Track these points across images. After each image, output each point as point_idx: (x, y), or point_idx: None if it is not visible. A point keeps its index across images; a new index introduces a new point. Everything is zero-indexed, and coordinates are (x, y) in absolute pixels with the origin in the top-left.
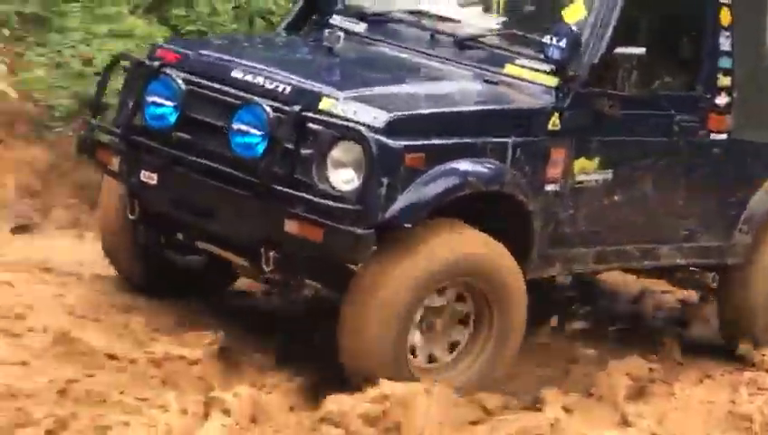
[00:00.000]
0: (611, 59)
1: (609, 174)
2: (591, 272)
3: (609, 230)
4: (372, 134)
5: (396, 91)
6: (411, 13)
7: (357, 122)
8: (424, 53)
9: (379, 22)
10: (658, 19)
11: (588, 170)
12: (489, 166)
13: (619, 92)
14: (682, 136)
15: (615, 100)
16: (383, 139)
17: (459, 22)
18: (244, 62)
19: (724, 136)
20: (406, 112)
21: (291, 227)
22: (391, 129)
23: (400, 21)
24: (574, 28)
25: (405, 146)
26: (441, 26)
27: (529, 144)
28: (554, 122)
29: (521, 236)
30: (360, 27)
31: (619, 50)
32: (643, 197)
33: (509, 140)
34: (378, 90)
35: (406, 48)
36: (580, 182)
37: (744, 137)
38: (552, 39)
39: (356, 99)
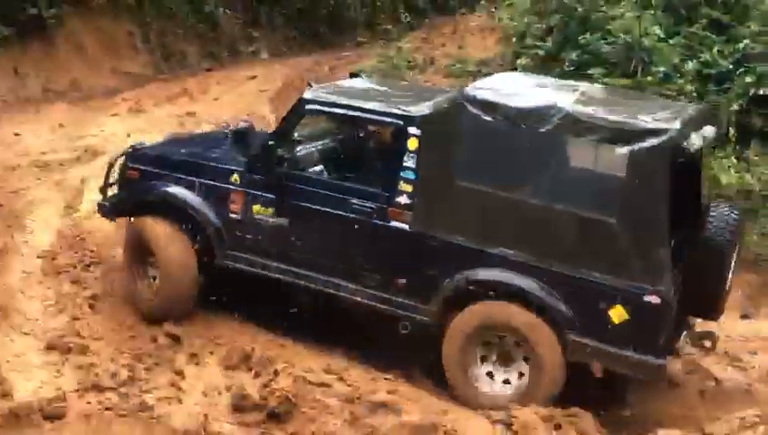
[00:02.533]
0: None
1: (283, 220)
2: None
3: (286, 253)
4: None
5: None
6: None
7: None
8: None
9: None
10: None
11: (262, 213)
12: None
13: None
14: (358, 215)
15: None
16: None
17: None
18: None
19: (405, 226)
20: None
21: None
22: None
23: None
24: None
25: None
26: None
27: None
28: (235, 179)
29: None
30: None
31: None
32: (317, 241)
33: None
34: None
35: None
36: (259, 218)
37: (427, 231)
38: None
39: None
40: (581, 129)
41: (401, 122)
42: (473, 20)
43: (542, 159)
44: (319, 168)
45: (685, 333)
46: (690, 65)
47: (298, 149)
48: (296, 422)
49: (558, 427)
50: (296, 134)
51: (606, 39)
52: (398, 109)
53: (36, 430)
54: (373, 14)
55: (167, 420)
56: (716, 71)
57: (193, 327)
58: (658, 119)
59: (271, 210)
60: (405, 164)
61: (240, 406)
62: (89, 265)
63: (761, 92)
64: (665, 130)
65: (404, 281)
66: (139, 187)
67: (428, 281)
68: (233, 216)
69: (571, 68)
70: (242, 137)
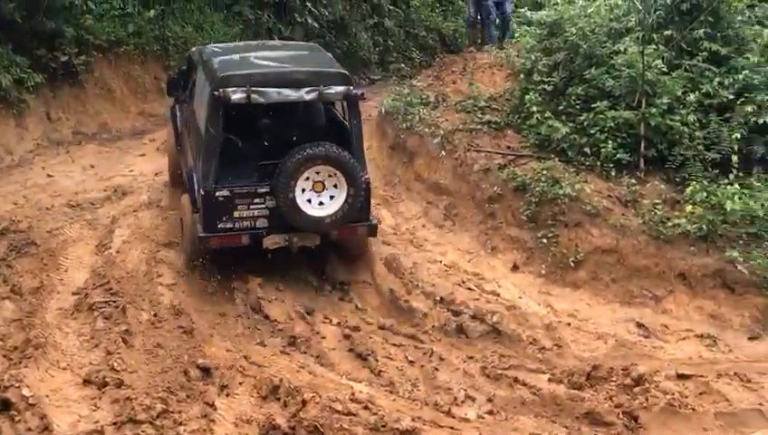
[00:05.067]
0: None
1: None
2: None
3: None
4: None
5: None
6: None
7: None
8: None
9: None
10: None
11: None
12: None
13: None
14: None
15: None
16: None
17: None
18: None
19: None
20: None
21: None
22: None
23: None
24: None
25: None
26: None
27: None
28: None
29: None
30: None
31: None
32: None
33: None
34: None
35: None
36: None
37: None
38: None
39: None
40: (206, 74)
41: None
42: (481, 57)
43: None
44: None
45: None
46: (692, 97)
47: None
48: None
49: None
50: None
51: (610, 73)
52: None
53: None
54: (386, 53)
55: None
56: (717, 101)
57: (223, 357)
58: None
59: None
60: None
61: None
62: (119, 302)
63: (761, 121)
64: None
65: None
66: None
67: None
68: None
69: (578, 102)
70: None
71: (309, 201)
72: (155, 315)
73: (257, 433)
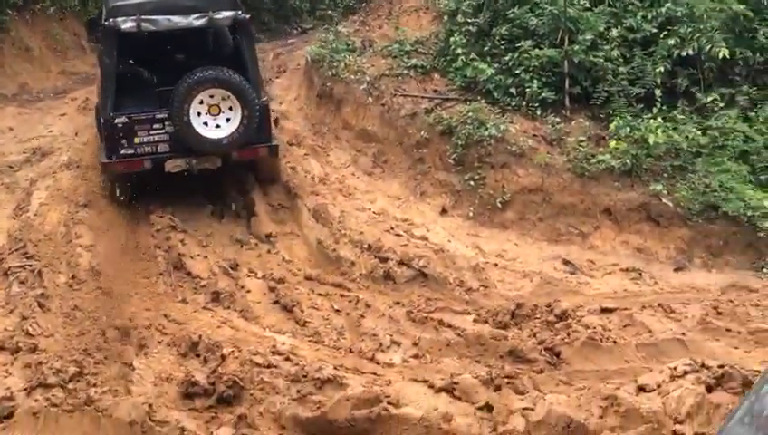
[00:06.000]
0: None
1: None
2: None
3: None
4: None
5: None
6: None
7: None
8: None
9: None
10: None
11: None
12: None
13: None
14: None
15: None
16: None
17: None
18: None
19: None
20: None
21: None
22: None
23: None
24: None
25: None
26: None
27: None
28: None
29: None
30: None
31: None
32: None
33: None
34: None
35: None
36: None
37: None
38: None
39: None
40: (105, 9)
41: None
42: (408, 0)
43: None
44: None
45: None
46: (615, 32)
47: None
48: (244, 405)
49: (498, 388)
50: None
51: (534, 11)
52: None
53: None
54: (317, 2)
55: (113, 412)
56: (641, 35)
57: (142, 317)
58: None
59: None
60: None
61: (189, 393)
62: (35, 266)
63: (684, 54)
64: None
65: None
66: None
67: None
68: None
69: (503, 42)
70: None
71: (206, 124)
72: (73, 277)
73: (176, 391)
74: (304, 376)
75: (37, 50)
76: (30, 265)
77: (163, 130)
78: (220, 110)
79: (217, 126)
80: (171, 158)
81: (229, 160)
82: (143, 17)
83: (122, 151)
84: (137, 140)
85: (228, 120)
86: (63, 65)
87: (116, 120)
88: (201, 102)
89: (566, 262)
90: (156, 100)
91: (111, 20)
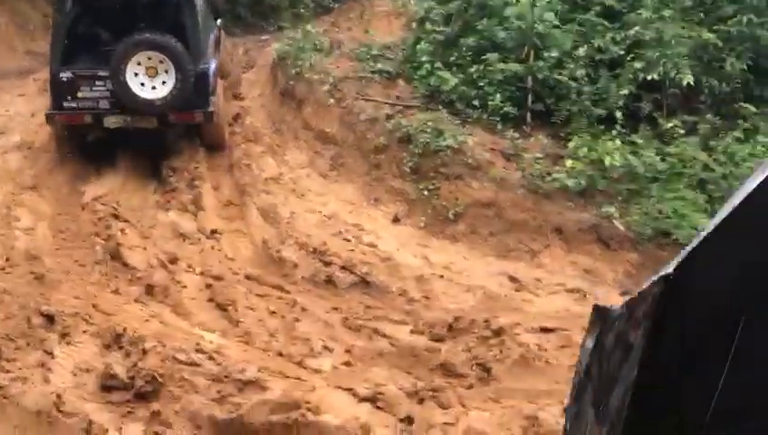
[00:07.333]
0: None
1: None
2: None
3: None
4: None
5: None
6: None
7: None
8: None
9: None
10: None
11: None
12: None
13: None
14: None
15: None
16: None
17: None
18: None
19: None
20: None
21: None
22: None
23: None
24: None
25: None
26: None
27: None
28: None
29: None
30: None
31: None
32: None
33: None
34: None
35: None
36: None
37: None
38: None
39: None
40: None
41: None
42: (380, 4)
43: None
44: None
45: None
46: (582, 51)
47: None
48: (161, 401)
49: (421, 401)
50: None
51: (502, 25)
52: None
53: None
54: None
55: (20, 400)
56: (609, 57)
57: (70, 304)
58: None
59: None
60: None
61: (107, 386)
62: None
63: (649, 77)
64: None
65: None
66: None
67: None
68: None
69: (469, 53)
70: None
71: (142, 85)
72: (7, 260)
73: (95, 382)
74: (226, 376)
75: (3, 28)
76: None
77: (104, 88)
78: (157, 72)
79: (153, 87)
80: (110, 114)
81: (167, 122)
82: None
83: (65, 105)
84: (80, 95)
85: (164, 82)
86: (30, 45)
87: (61, 75)
88: (139, 64)
89: (512, 278)
90: (99, 58)
91: None
